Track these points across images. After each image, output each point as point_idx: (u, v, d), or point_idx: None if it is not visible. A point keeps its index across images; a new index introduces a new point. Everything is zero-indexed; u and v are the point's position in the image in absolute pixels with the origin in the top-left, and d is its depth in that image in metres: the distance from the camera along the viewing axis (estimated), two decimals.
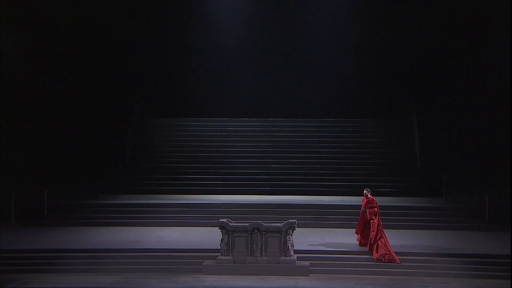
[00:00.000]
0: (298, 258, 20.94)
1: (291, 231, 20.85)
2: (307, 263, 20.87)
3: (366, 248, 21.75)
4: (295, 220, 21.21)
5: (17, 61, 30.31)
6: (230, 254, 20.81)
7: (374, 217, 21.67)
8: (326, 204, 27.58)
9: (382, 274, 20.60)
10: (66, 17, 32.48)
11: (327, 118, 34.81)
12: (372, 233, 21.47)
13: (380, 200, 22.47)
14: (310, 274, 20.48)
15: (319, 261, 21.17)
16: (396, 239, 22.77)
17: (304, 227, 24.72)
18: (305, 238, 23.26)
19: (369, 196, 22.11)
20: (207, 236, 23.54)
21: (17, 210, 27.39)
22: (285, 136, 34.01)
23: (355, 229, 22.76)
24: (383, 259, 21.10)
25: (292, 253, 20.83)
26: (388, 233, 22.15)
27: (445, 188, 28.86)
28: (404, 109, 34.51)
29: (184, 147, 33.70)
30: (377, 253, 21.21)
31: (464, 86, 32.95)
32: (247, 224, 20.95)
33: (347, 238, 23.32)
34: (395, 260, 21.07)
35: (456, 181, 29.58)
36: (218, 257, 20.86)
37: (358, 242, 22.38)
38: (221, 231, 20.95)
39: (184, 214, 26.79)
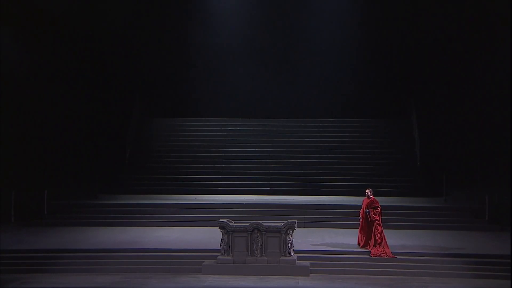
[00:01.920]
0: (298, 258, 20.92)
1: (291, 231, 20.83)
2: (307, 263, 20.85)
3: (366, 248, 21.77)
4: (295, 220, 21.18)
5: (16, 61, 30.27)
6: (230, 254, 20.79)
7: (377, 218, 21.68)
8: (326, 204, 27.60)
9: (382, 274, 20.58)
10: (66, 17, 32.45)
11: (327, 118, 34.85)
12: (377, 233, 21.47)
13: (380, 200, 22.44)
14: (310, 274, 20.46)
15: (319, 261, 21.14)
16: (396, 239, 22.78)
17: (304, 227, 24.71)
18: (305, 238, 23.25)
19: (371, 196, 22.11)
20: (207, 236, 23.54)
21: (17, 210, 27.38)
22: (285, 136, 34.02)
23: (354, 229, 22.76)
24: (379, 256, 21.17)
25: (292, 253, 20.81)
26: (388, 233, 22.21)
27: (445, 188, 28.86)
28: (404, 109, 34.52)
29: (184, 147, 33.71)
30: (376, 251, 21.26)
31: (464, 86, 32.94)
32: (247, 224, 20.93)
33: (347, 238, 23.31)
34: (391, 256, 21.17)
35: (456, 181, 29.61)
36: (218, 257, 20.84)
37: (358, 244, 22.33)
38: (221, 231, 20.93)
39: (184, 214, 26.79)
